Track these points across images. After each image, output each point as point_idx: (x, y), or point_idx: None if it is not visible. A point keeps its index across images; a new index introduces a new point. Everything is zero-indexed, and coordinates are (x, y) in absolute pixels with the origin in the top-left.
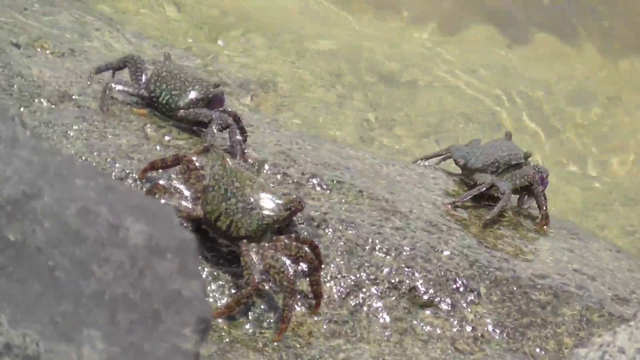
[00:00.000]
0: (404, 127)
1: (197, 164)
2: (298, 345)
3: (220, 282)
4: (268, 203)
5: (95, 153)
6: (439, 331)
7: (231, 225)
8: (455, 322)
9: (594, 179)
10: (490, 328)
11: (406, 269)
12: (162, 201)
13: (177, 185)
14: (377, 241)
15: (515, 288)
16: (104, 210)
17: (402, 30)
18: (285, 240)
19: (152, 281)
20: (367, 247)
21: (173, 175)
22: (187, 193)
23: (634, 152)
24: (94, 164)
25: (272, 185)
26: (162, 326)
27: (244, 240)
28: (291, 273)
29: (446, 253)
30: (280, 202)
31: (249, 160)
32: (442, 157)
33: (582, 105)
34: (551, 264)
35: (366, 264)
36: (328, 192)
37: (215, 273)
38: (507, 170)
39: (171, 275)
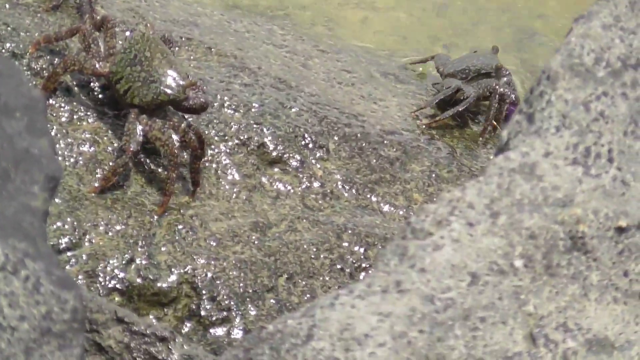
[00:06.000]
0: None
1: (115, 21)
2: (147, 202)
3: (69, 140)
4: (170, 81)
5: None
6: (288, 187)
7: (128, 91)
8: (304, 179)
9: None
10: (339, 185)
11: (255, 126)
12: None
13: (90, 42)
14: (225, 98)
15: (364, 144)
16: None
17: None
18: (176, 122)
19: (1, 140)
20: (215, 104)
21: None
22: (98, 49)
23: None
24: None
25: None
26: (10, 185)
27: (136, 110)
28: (176, 146)
29: (295, 109)
30: (182, 83)
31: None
32: (427, 60)
33: None
34: (400, 120)
35: (215, 121)
36: (177, 49)
37: (64, 131)
38: (475, 79)
39: (20, 133)
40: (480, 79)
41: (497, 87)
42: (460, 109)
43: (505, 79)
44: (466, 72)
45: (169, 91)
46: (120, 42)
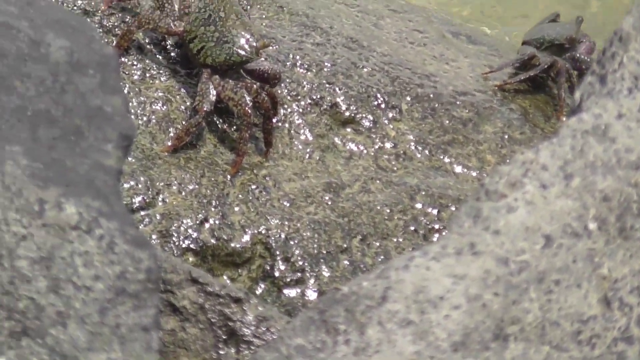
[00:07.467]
0: None
1: None
2: (220, 162)
3: (142, 99)
4: (243, 42)
5: None
6: (361, 148)
7: (201, 50)
8: (377, 139)
9: None
10: (412, 145)
11: (327, 85)
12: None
13: (164, 0)
14: (298, 57)
15: (437, 105)
16: (24, 25)
17: None
18: (249, 83)
19: (74, 97)
20: (288, 63)
21: None
22: (172, 8)
23: None
24: None
25: (257, 26)
26: (84, 142)
27: (209, 70)
28: (249, 106)
29: (367, 69)
30: (255, 45)
31: None
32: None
33: None
34: (472, 81)
35: (287, 80)
36: (248, 7)
37: (137, 89)
38: (549, 49)
39: (93, 91)
40: (554, 49)
41: (563, 64)
42: (532, 74)
43: (580, 50)
44: (540, 42)
45: (242, 52)
46: (194, 2)
